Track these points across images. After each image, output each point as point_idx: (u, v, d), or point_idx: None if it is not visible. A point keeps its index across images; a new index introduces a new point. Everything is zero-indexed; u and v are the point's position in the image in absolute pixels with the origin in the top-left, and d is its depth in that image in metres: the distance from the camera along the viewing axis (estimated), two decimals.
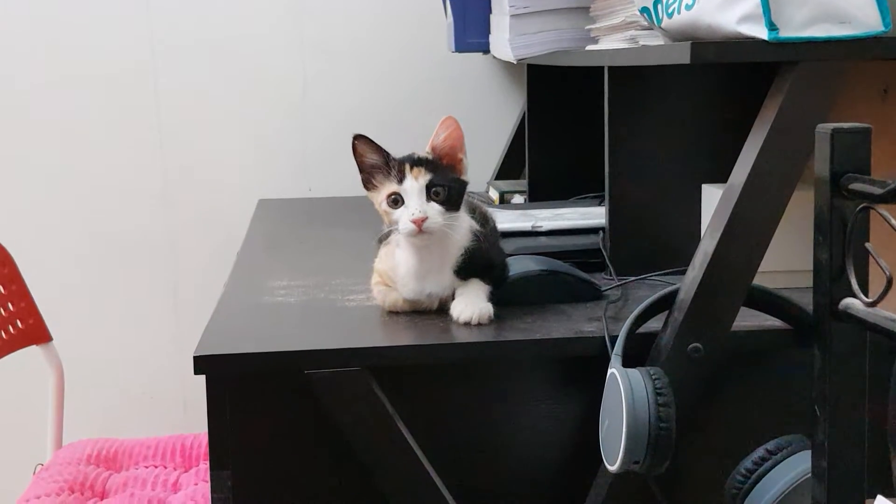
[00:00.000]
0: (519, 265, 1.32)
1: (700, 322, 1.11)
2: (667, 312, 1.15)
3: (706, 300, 1.11)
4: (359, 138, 1.22)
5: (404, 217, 1.19)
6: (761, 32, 1.08)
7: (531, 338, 1.17)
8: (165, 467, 1.93)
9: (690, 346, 1.11)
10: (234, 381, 1.14)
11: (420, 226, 1.18)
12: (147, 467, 1.91)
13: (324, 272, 1.56)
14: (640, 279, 1.40)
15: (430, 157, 1.22)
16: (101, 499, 1.79)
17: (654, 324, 1.16)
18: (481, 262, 1.25)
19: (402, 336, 1.22)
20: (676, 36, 1.22)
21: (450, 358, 1.17)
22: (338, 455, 1.15)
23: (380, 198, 1.22)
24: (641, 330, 1.15)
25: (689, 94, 1.45)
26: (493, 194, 2.17)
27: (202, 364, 1.13)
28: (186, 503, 1.72)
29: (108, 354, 2.46)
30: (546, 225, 1.59)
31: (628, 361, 1.10)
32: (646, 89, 1.44)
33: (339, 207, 2.27)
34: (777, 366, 1.20)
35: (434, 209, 1.20)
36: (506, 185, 2.22)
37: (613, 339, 1.14)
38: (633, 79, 1.43)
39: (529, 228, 1.58)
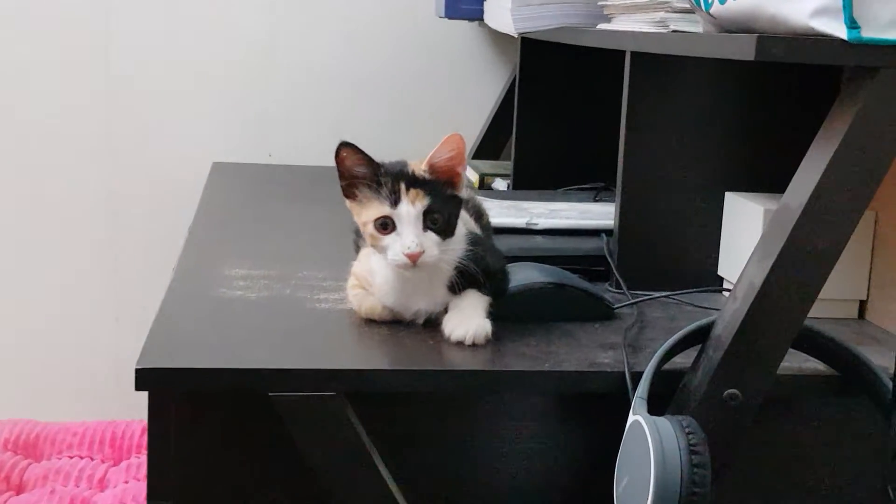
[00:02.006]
0: (520, 274, 1.15)
1: (740, 365, 0.95)
2: (698, 349, 0.99)
3: (749, 339, 0.95)
4: (345, 146, 1.04)
5: (396, 247, 1.03)
6: (839, 30, 0.90)
7: (538, 369, 0.99)
8: (92, 459, 1.74)
9: (727, 392, 0.95)
10: (182, 400, 0.97)
11: (415, 261, 1.02)
12: (71, 458, 1.72)
13: (288, 260, 1.37)
14: (657, 297, 1.23)
15: (426, 175, 1.05)
16: (17, 493, 1.60)
17: (679, 358, 1.00)
18: (479, 271, 1.07)
19: (384, 357, 1.04)
20: (727, 25, 1.04)
21: (439, 387, 0.99)
22: (302, 491, 0.99)
23: (365, 217, 1.05)
24: (665, 366, 0.99)
25: (719, 89, 1.28)
26: (472, 175, 1.99)
27: (146, 378, 0.94)
28: None
29: (37, 326, 2.23)
30: (542, 223, 1.41)
31: (649, 403, 0.93)
32: (671, 81, 1.27)
33: (300, 177, 2.07)
34: (818, 415, 1.05)
35: (430, 240, 1.03)
36: (486, 165, 2.04)
37: (633, 375, 0.97)
38: (659, 68, 1.25)
39: (524, 226, 1.40)
